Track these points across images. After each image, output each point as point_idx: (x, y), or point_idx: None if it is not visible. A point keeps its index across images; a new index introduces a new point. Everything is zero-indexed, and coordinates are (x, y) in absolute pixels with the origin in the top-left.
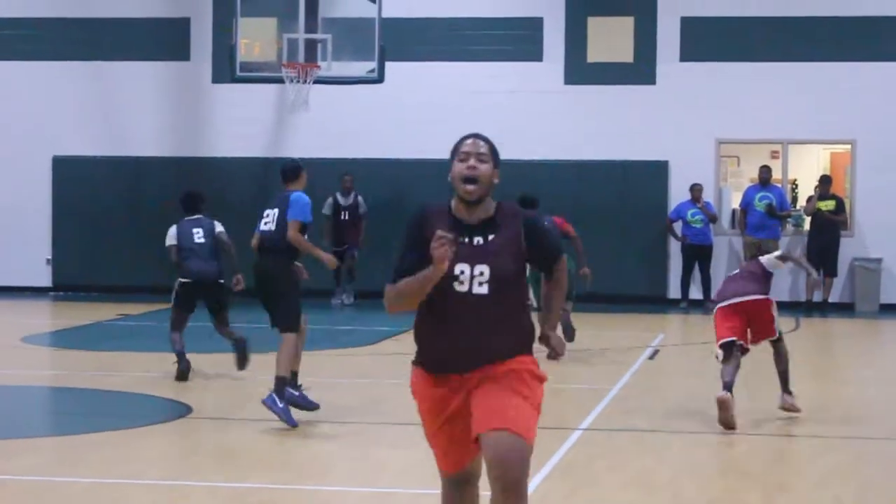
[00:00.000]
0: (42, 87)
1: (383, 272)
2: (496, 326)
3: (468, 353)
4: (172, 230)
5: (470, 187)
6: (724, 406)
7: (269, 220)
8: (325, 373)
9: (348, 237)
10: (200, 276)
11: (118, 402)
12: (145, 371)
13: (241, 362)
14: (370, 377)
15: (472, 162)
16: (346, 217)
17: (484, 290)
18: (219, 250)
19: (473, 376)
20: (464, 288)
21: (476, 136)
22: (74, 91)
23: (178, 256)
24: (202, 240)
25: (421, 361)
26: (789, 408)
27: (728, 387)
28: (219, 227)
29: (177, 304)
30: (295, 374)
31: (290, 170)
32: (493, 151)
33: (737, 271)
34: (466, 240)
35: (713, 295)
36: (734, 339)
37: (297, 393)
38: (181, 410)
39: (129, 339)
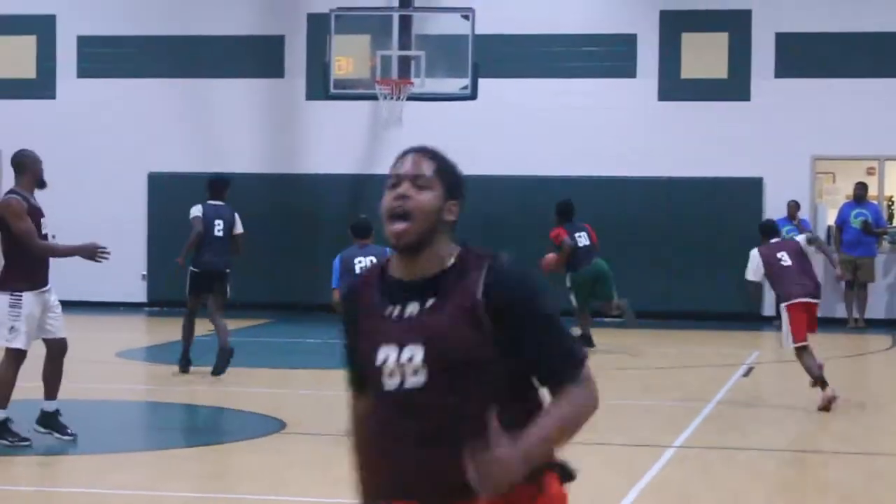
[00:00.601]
0: (138, 105)
1: None
2: (447, 439)
3: (404, 486)
4: (198, 209)
5: (398, 227)
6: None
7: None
8: None
9: None
10: (210, 266)
11: (212, 416)
12: (239, 386)
13: (219, 369)
14: None
15: (402, 189)
16: None
17: (419, 380)
18: (230, 243)
19: None
20: (394, 382)
21: (417, 150)
22: (170, 108)
23: (196, 241)
24: (220, 233)
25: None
26: (829, 401)
27: (822, 377)
28: (238, 229)
29: (191, 292)
30: None
31: (363, 227)
32: (445, 172)
33: (788, 263)
34: (396, 310)
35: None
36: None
37: None
38: (275, 425)
39: None
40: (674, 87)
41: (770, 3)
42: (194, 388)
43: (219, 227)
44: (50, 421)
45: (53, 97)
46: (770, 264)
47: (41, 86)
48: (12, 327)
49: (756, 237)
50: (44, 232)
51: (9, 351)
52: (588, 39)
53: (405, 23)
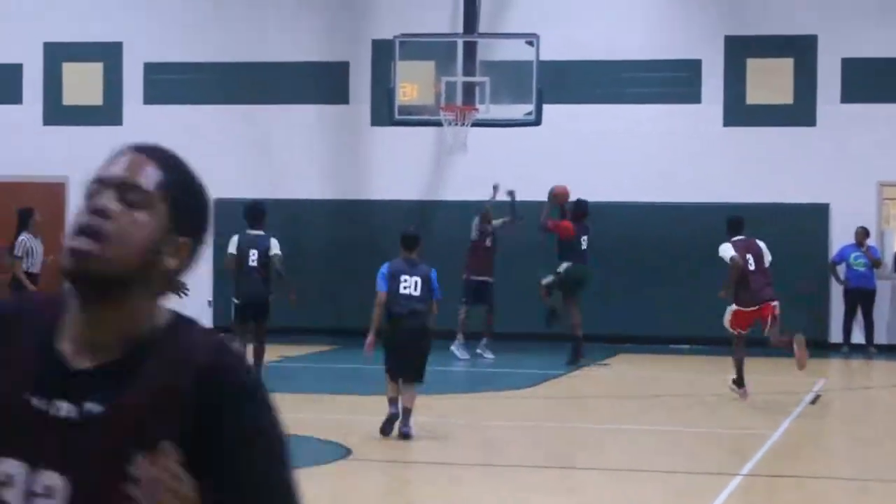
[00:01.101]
0: (203, 131)
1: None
2: None
3: None
4: (234, 240)
5: (81, 244)
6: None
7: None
8: (481, 415)
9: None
10: (249, 297)
11: None
12: (304, 412)
13: None
14: (530, 419)
15: (102, 200)
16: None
17: None
18: (270, 268)
19: None
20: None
21: (141, 148)
22: (235, 134)
23: (235, 272)
24: (254, 263)
25: None
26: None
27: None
28: (274, 249)
29: (235, 321)
30: None
31: (410, 238)
32: (177, 189)
33: (753, 267)
34: (43, 405)
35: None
36: None
37: None
38: (341, 452)
39: (290, 380)
40: (739, 112)
41: (836, 28)
42: None
43: (253, 258)
44: None
45: (120, 123)
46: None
47: (108, 112)
48: None
49: (823, 264)
50: None
51: None
52: (653, 65)
53: (470, 49)
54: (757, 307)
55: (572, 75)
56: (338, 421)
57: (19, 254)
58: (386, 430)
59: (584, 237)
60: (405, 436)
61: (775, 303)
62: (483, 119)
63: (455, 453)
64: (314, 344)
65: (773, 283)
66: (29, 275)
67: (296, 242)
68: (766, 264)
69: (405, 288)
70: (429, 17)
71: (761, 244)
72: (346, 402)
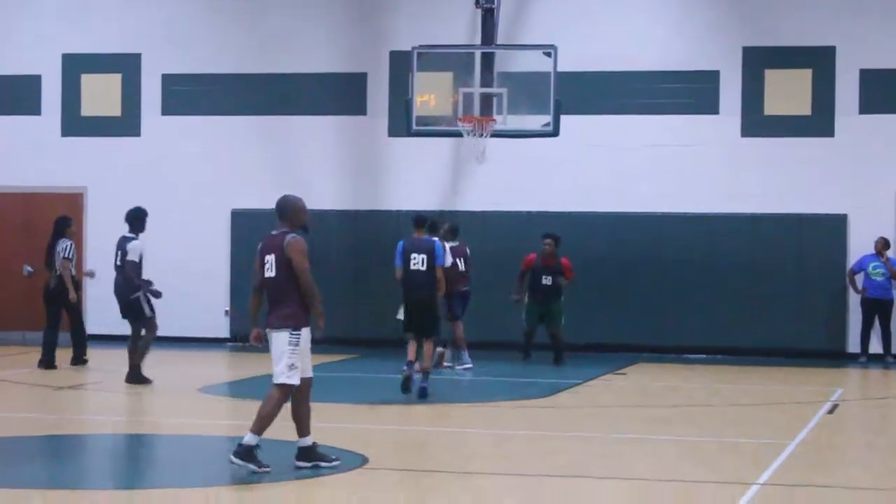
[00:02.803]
0: (221, 142)
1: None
2: None
3: None
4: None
5: None
6: None
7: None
8: (500, 424)
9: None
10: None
11: (294, 452)
12: (323, 421)
13: None
14: (548, 429)
15: None
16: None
17: None
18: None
19: None
20: None
21: None
22: (253, 145)
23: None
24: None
25: None
26: None
27: None
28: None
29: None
30: None
31: (418, 219)
32: None
33: None
34: None
35: None
36: None
37: None
38: (357, 461)
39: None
40: (757, 123)
41: (854, 39)
42: (275, 423)
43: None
44: (310, 454)
45: (138, 134)
46: None
47: (126, 123)
48: (292, 364)
49: (841, 274)
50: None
51: (283, 387)
52: (670, 76)
53: (487, 60)
54: None
55: (590, 86)
56: (355, 430)
57: (69, 255)
58: (405, 387)
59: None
60: (423, 392)
61: None
62: (501, 130)
63: (473, 463)
64: (331, 353)
65: None
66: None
67: (314, 252)
68: None
69: (414, 264)
70: (447, 29)
71: None
72: (363, 411)
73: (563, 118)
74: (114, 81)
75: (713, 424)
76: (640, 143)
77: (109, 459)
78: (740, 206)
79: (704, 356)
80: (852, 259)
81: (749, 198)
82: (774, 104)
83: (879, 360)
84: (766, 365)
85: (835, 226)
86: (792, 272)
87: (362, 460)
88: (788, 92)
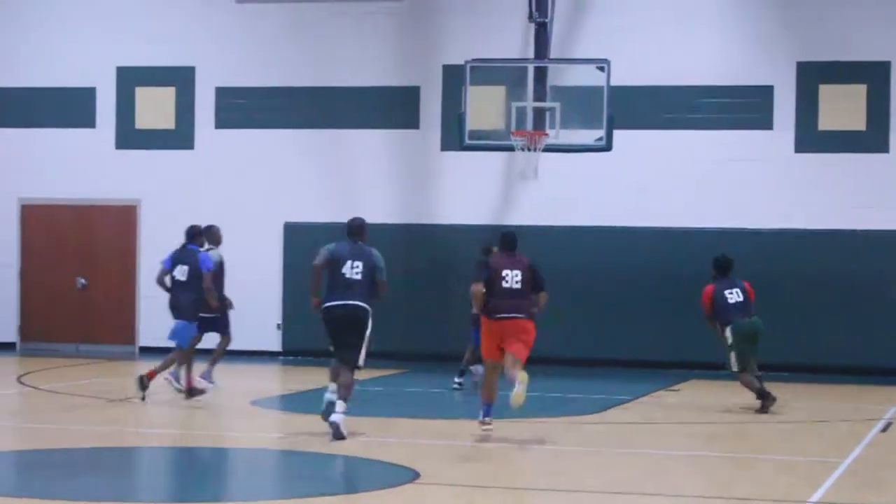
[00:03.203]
0: (274, 155)
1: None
2: None
3: None
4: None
5: None
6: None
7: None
8: (550, 440)
9: None
10: None
11: (345, 466)
12: (374, 436)
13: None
14: (599, 445)
15: None
16: None
17: None
18: None
19: None
20: None
21: None
22: (306, 158)
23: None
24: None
25: None
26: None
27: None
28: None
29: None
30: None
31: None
32: None
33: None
34: None
35: None
36: None
37: None
38: (409, 475)
39: (358, 404)
40: (811, 138)
41: None
42: (327, 437)
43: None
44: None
45: (192, 147)
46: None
47: (180, 136)
48: None
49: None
50: None
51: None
52: (724, 91)
53: (540, 74)
54: None
55: (643, 101)
56: (406, 444)
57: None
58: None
59: (730, 291)
60: None
61: None
62: (553, 144)
63: (525, 478)
64: (383, 368)
65: None
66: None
67: None
68: None
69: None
70: (499, 43)
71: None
72: (414, 426)
73: (616, 133)
74: (168, 94)
75: (765, 441)
76: (694, 159)
77: (159, 473)
78: (794, 221)
79: (758, 373)
80: None
81: (803, 213)
82: (829, 119)
83: None
84: (819, 382)
85: (890, 241)
86: (846, 288)
87: (413, 475)
88: (843, 107)
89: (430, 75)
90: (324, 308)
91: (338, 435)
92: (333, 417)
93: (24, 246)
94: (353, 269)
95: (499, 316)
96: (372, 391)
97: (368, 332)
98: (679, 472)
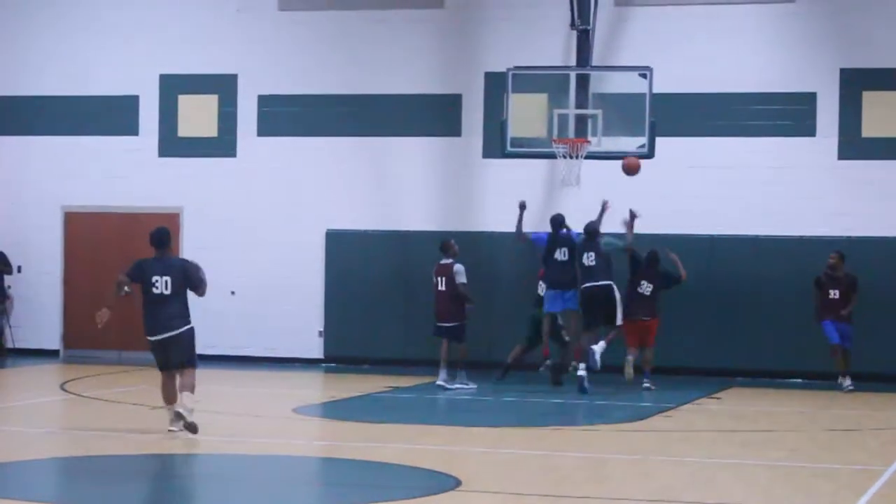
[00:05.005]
0: (316, 163)
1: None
2: None
3: None
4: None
5: None
6: None
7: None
8: (593, 448)
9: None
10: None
11: (387, 473)
12: (415, 443)
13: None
14: (641, 453)
15: None
16: None
17: None
18: None
19: None
20: None
21: None
22: (348, 166)
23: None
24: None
25: None
26: None
27: None
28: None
29: None
30: None
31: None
32: None
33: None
34: None
35: None
36: None
37: None
38: (450, 483)
39: (399, 411)
40: (854, 145)
41: None
42: (369, 444)
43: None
44: None
45: (234, 155)
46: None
47: (222, 144)
48: None
49: None
50: None
51: None
52: (767, 98)
53: (582, 81)
54: None
55: (685, 108)
56: (447, 451)
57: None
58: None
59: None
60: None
61: None
62: (596, 151)
63: (566, 486)
64: (422, 375)
65: None
66: None
67: (406, 273)
68: None
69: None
70: (541, 50)
71: None
72: (454, 433)
73: (659, 140)
74: (210, 102)
75: (808, 449)
76: (736, 165)
77: (201, 480)
78: (837, 228)
79: (800, 381)
80: None
81: (846, 220)
82: (872, 126)
83: None
84: (861, 390)
85: None
86: (890, 295)
87: (455, 482)
88: (887, 114)
89: (472, 83)
90: None
91: None
92: None
93: (68, 253)
94: None
95: None
96: (410, 398)
97: None
98: (721, 480)
